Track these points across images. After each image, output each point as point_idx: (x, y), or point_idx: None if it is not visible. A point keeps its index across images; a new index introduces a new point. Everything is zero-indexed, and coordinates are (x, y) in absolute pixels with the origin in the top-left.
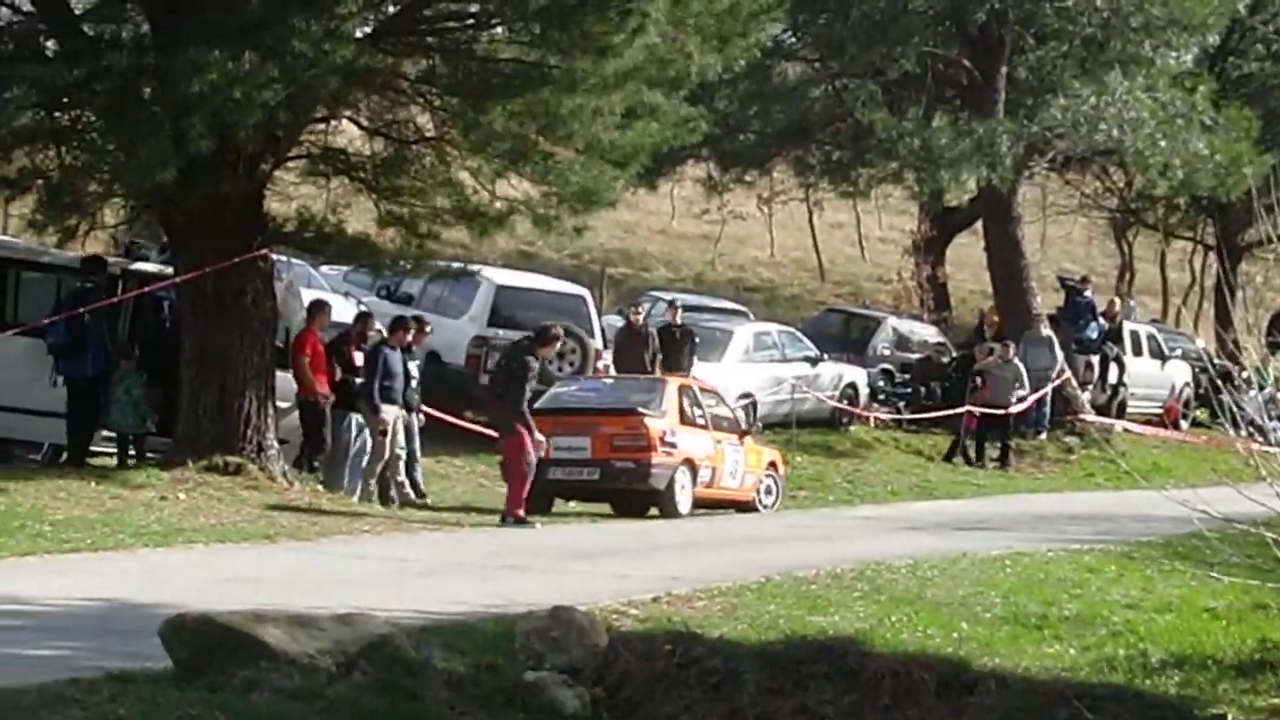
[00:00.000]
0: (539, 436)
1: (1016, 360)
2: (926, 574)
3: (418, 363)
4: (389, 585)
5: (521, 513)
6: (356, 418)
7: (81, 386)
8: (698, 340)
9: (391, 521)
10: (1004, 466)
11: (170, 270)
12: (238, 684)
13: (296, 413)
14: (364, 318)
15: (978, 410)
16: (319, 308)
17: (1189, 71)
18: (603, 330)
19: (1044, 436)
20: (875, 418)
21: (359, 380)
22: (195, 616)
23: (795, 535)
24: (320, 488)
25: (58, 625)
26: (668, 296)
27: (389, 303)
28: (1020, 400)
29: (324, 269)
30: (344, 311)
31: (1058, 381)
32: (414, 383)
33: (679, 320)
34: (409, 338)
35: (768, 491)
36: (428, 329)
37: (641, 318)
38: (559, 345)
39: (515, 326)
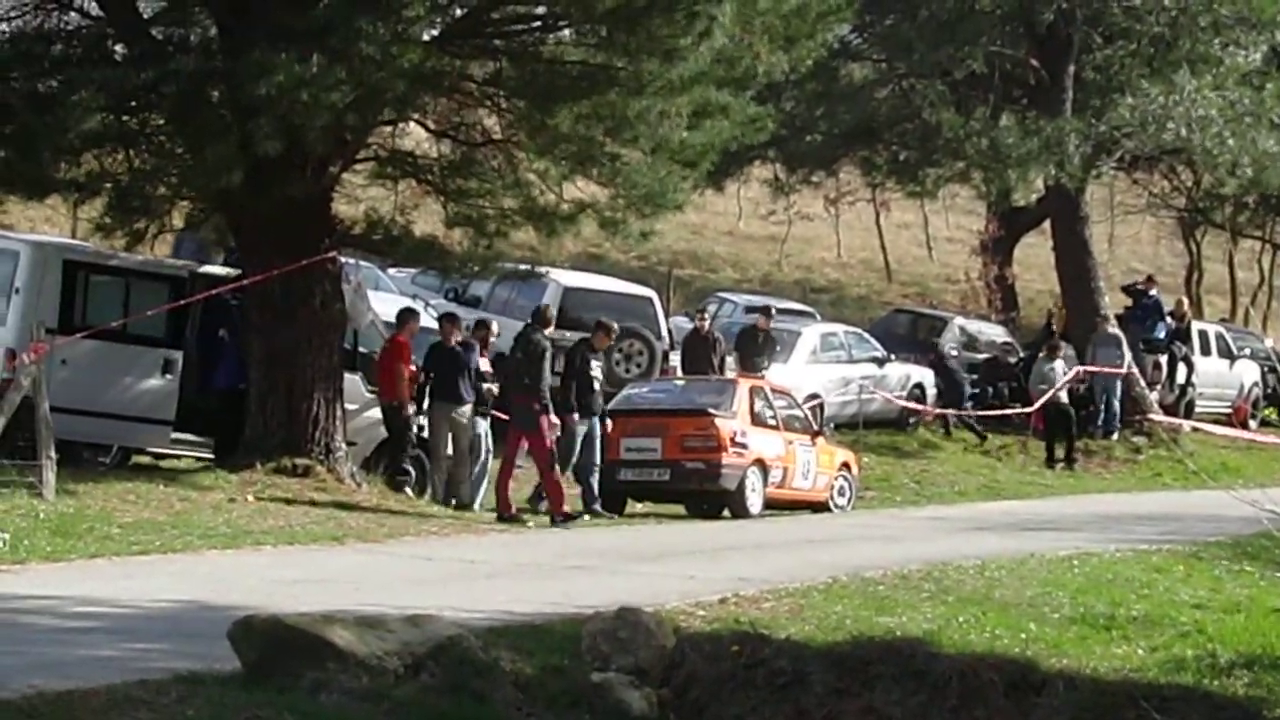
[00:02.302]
0: (554, 419)
1: (1061, 359)
2: (994, 574)
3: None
4: (456, 586)
5: (567, 508)
6: (483, 424)
7: (214, 397)
8: (779, 347)
9: (460, 523)
10: (1070, 466)
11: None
12: (306, 685)
13: (363, 414)
14: (484, 325)
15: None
16: (409, 315)
17: (1257, 70)
18: (670, 332)
19: (1114, 437)
20: (939, 415)
21: (486, 385)
22: (263, 618)
23: (863, 536)
24: (390, 487)
25: (126, 627)
26: (736, 298)
27: (457, 305)
28: (1044, 394)
29: (392, 271)
30: None
31: (1122, 371)
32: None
33: (768, 326)
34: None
35: (840, 492)
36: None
37: (707, 323)
38: (611, 338)
39: (582, 328)
